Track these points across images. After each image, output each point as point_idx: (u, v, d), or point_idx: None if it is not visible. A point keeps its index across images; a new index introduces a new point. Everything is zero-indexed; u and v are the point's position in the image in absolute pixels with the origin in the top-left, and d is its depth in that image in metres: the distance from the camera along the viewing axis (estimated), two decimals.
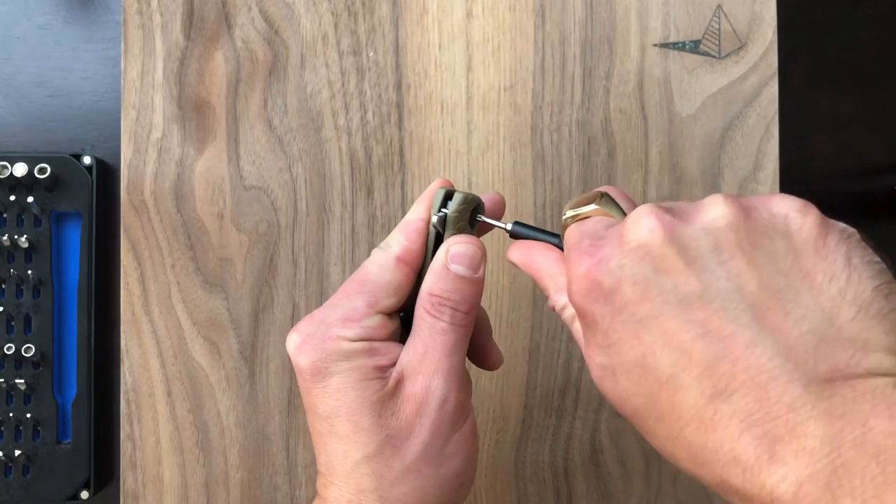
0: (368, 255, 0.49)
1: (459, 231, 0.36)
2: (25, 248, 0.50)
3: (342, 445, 0.34)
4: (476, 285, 0.35)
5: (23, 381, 0.49)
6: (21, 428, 0.50)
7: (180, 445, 0.49)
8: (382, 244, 0.37)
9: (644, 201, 0.50)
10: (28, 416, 0.50)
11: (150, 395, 0.49)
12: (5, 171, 0.49)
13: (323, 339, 0.34)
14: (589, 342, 0.30)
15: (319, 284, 0.49)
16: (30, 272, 0.50)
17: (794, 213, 0.28)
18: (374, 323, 0.35)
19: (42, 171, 0.49)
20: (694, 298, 0.27)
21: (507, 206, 0.49)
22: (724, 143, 0.50)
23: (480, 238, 0.37)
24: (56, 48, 0.53)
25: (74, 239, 0.51)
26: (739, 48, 0.50)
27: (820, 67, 0.57)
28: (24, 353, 0.49)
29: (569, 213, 0.33)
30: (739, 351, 0.26)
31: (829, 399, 0.24)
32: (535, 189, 0.50)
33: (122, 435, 0.49)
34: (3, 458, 0.49)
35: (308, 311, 0.49)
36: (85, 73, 0.53)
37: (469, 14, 0.50)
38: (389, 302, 0.35)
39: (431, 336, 0.34)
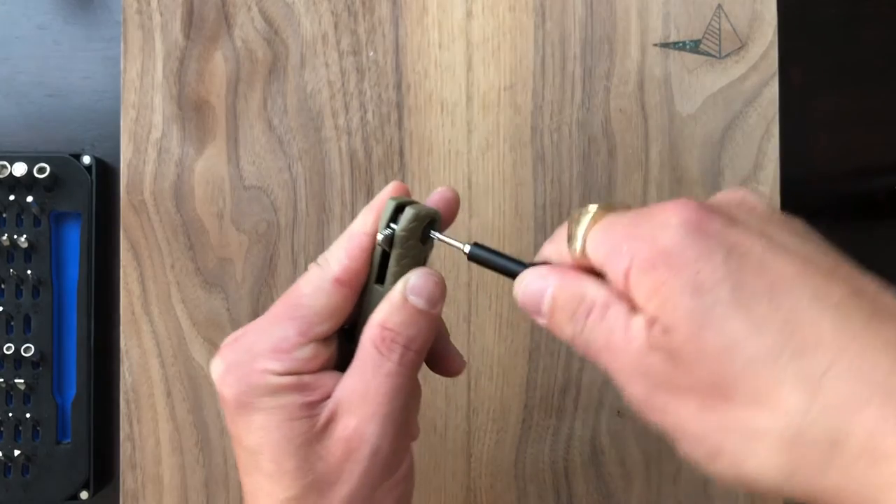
0: None
1: (409, 250, 0.33)
2: (25, 248, 0.50)
3: (266, 483, 0.31)
4: (432, 322, 0.33)
5: (22, 381, 0.49)
6: (20, 428, 0.50)
7: (180, 446, 0.49)
8: (320, 259, 0.33)
9: (644, 201, 0.50)
10: (27, 416, 0.50)
11: (149, 396, 0.49)
12: (5, 170, 0.49)
13: (248, 372, 0.31)
14: (683, 283, 0.25)
15: None
16: (29, 272, 0.50)
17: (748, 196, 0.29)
18: (306, 354, 0.31)
19: (41, 170, 0.49)
20: (807, 245, 0.27)
21: (507, 206, 0.50)
22: (725, 142, 0.50)
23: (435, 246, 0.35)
24: (56, 48, 0.53)
25: (74, 239, 0.51)
26: (740, 48, 0.50)
27: (820, 67, 0.57)
28: (23, 353, 0.49)
29: (588, 215, 0.29)
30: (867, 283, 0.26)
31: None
32: (535, 189, 0.50)
33: (122, 435, 0.48)
34: (2, 458, 0.49)
35: None
36: (84, 73, 0.53)
37: (469, 14, 0.50)
38: (323, 328, 0.32)
39: (375, 376, 0.31)
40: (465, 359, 0.42)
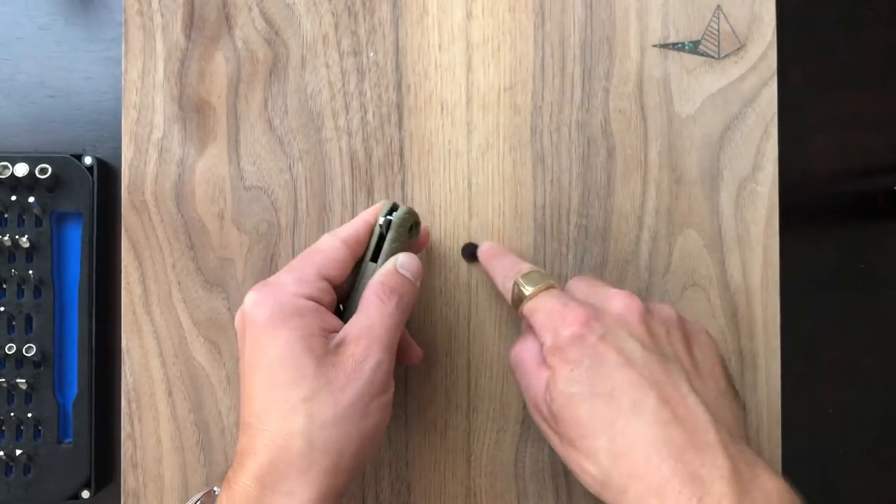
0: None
1: (399, 236, 0.43)
2: (26, 248, 0.50)
3: (282, 391, 0.37)
4: (414, 290, 0.43)
5: (24, 380, 0.49)
6: (22, 427, 0.50)
7: (181, 445, 0.49)
8: (332, 232, 0.43)
9: (644, 202, 0.50)
10: (29, 415, 0.50)
11: (150, 395, 0.49)
12: (6, 171, 0.49)
13: (280, 296, 0.39)
14: (563, 375, 0.39)
15: None
16: (31, 272, 0.50)
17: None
18: (323, 286, 0.41)
19: (43, 171, 0.49)
20: (653, 360, 0.39)
21: (507, 206, 0.50)
22: (724, 143, 0.50)
23: (418, 252, 0.45)
24: (57, 48, 0.53)
25: (75, 239, 0.51)
26: (739, 49, 0.50)
27: (820, 67, 0.57)
28: (25, 353, 0.49)
29: (528, 289, 0.43)
30: (679, 398, 0.38)
31: (735, 445, 0.37)
32: (535, 189, 0.50)
33: (123, 434, 0.49)
34: (3, 458, 0.49)
35: None
36: (86, 74, 0.53)
37: (469, 15, 0.50)
38: (333, 273, 0.41)
39: (378, 315, 0.40)
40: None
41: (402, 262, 0.42)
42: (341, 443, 0.37)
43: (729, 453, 0.36)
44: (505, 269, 0.46)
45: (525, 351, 0.43)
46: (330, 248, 0.42)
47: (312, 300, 0.40)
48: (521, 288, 0.43)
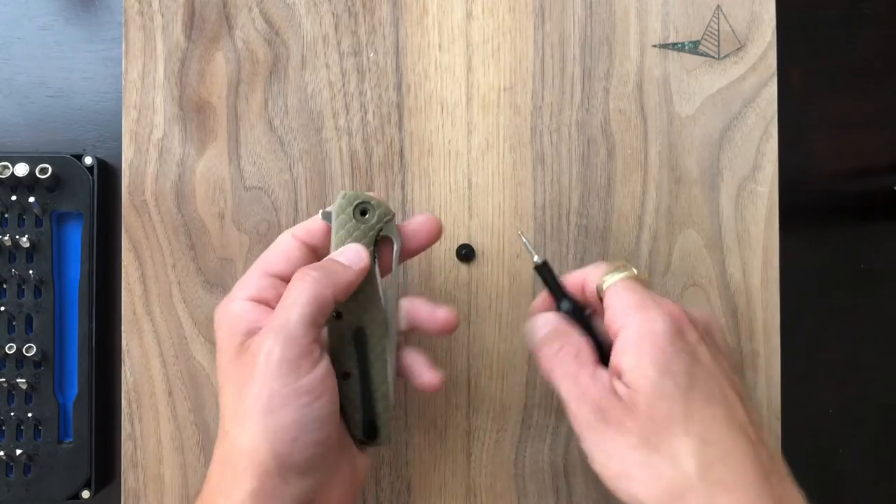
0: None
1: (344, 224, 0.41)
2: (27, 248, 0.50)
3: (221, 395, 0.39)
4: (346, 274, 0.40)
5: (24, 380, 0.49)
6: (22, 427, 0.50)
7: (181, 445, 0.49)
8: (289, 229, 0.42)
9: (644, 202, 0.50)
10: (29, 415, 0.50)
11: (151, 395, 0.49)
12: (7, 171, 0.49)
13: (224, 302, 0.40)
14: (660, 365, 0.36)
15: None
16: (31, 272, 0.50)
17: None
18: (265, 283, 0.40)
19: (43, 171, 0.49)
20: (737, 380, 0.38)
21: (507, 206, 0.50)
22: (724, 143, 0.50)
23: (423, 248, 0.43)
24: (57, 49, 0.53)
25: (75, 239, 0.51)
26: (738, 49, 0.51)
27: (820, 67, 0.57)
28: (25, 353, 0.49)
29: (624, 273, 0.40)
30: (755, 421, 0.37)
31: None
32: (535, 189, 0.50)
33: (123, 434, 0.49)
34: (4, 458, 0.49)
35: None
36: (86, 74, 0.53)
37: (469, 15, 0.50)
38: (282, 267, 0.40)
39: (284, 299, 0.38)
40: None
41: (340, 252, 0.41)
42: (252, 442, 0.36)
43: (795, 486, 0.37)
44: (587, 270, 0.42)
45: (564, 352, 0.40)
46: (277, 243, 0.41)
47: (253, 300, 0.39)
48: (617, 271, 0.40)
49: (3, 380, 0.49)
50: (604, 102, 0.50)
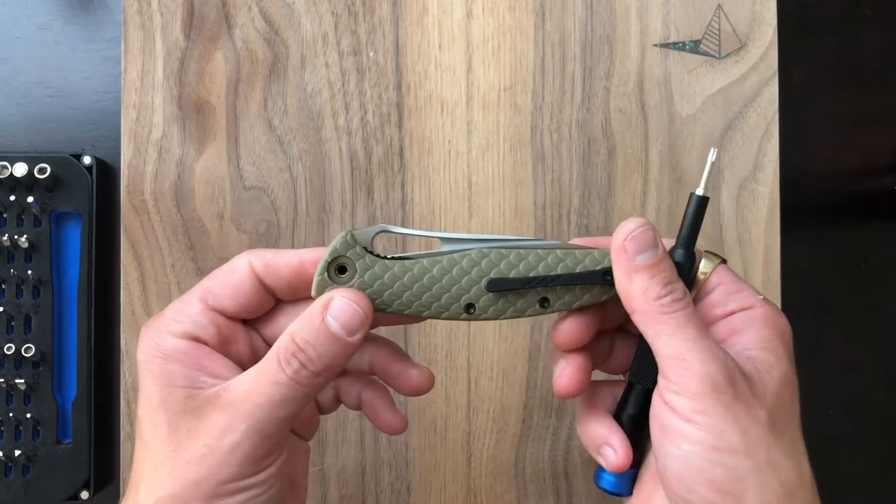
0: None
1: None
2: (25, 248, 0.50)
3: (139, 449, 0.32)
4: (346, 350, 0.32)
5: (23, 380, 0.49)
6: (21, 428, 0.50)
7: None
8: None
9: (644, 202, 0.50)
10: (28, 416, 0.50)
11: None
12: (5, 171, 0.49)
13: (153, 332, 0.32)
14: (790, 363, 0.33)
15: None
16: (30, 272, 0.50)
17: None
18: (204, 319, 0.33)
19: (42, 171, 0.49)
20: None
21: (507, 206, 0.50)
22: (724, 143, 0.50)
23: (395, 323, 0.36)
24: (56, 48, 0.53)
25: (74, 239, 0.51)
26: (739, 48, 0.50)
27: (820, 67, 0.57)
28: (24, 353, 0.49)
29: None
30: None
31: None
32: (535, 189, 0.50)
33: (123, 435, 0.49)
34: (3, 458, 0.49)
35: None
36: (85, 73, 0.53)
37: (469, 14, 0.50)
38: (228, 303, 0.33)
39: (265, 380, 0.31)
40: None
41: (335, 306, 0.32)
42: None
43: None
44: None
45: (689, 302, 0.33)
46: (227, 270, 0.33)
47: (191, 339, 0.32)
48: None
49: (2, 380, 0.49)
50: (604, 102, 0.50)
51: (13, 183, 0.50)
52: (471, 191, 0.50)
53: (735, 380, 0.31)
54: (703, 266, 0.35)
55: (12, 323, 0.50)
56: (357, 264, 0.33)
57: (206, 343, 0.33)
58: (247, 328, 0.35)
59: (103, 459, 0.52)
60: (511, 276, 0.34)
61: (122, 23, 0.49)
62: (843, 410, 0.56)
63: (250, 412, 0.31)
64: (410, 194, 0.50)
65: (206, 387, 0.32)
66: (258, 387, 0.31)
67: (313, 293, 0.33)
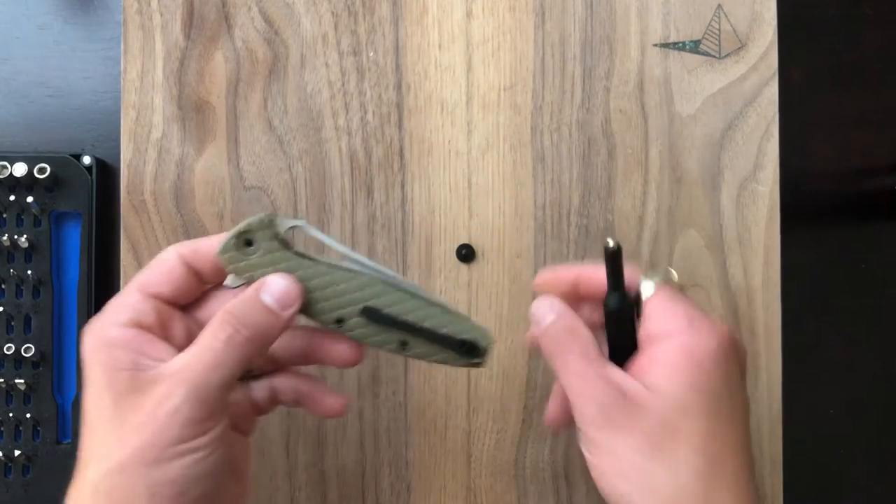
0: (368, 255, 0.49)
1: (268, 251, 0.36)
2: (25, 248, 0.50)
3: (87, 433, 0.34)
4: (276, 322, 0.35)
5: (23, 381, 0.49)
6: (21, 428, 0.50)
7: None
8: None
9: (644, 202, 0.50)
10: (28, 416, 0.50)
11: None
12: (5, 171, 0.49)
13: (98, 325, 0.35)
14: (694, 379, 0.35)
15: None
16: (29, 272, 0.50)
17: None
18: (145, 307, 0.36)
19: (42, 171, 0.49)
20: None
21: (507, 206, 0.50)
22: (724, 143, 0.50)
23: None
24: (56, 48, 0.53)
25: (74, 239, 0.51)
26: (739, 48, 0.50)
27: (820, 67, 0.57)
28: (23, 353, 0.49)
29: (669, 277, 0.38)
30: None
31: None
32: (535, 189, 0.50)
33: None
34: (2, 458, 0.49)
35: None
36: (85, 73, 0.53)
37: (469, 14, 0.50)
38: (165, 289, 0.36)
39: (200, 349, 0.34)
40: None
41: (267, 286, 0.36)
42: (126, 492, 0.33)
43: None
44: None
45: (579, 348, 0.37)
46: (158, 261, 0.37)
47: (133, 325, 0.35)
48: (661, 276, 0.38)
49: (2, 380, 0.49)
50: (604, 102, 0.50)
51: (13, 183, 0.50)
52: (471, 191, 0.50)
53: (610, 409, 0.35)
54: (644, 292, 0.38)
55: (12, 323, 0.50)
56: (262, 245, 0.36)
57: (147, 329, 0.35)
58: (182, 314, 0.37)
59: None
60: (384, 311, 0.37)
61: (122, 23, 0.49)
62: (843, 410, 0.56)
63: (187, 378, 0.33)
64: (410, 194, 0.50)
65: (148, 368, 0.34)
66: (195, 356, 0.34)
67: (217, 252, 0.36)
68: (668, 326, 0.36)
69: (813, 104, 0.56)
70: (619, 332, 0.38)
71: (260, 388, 0.39)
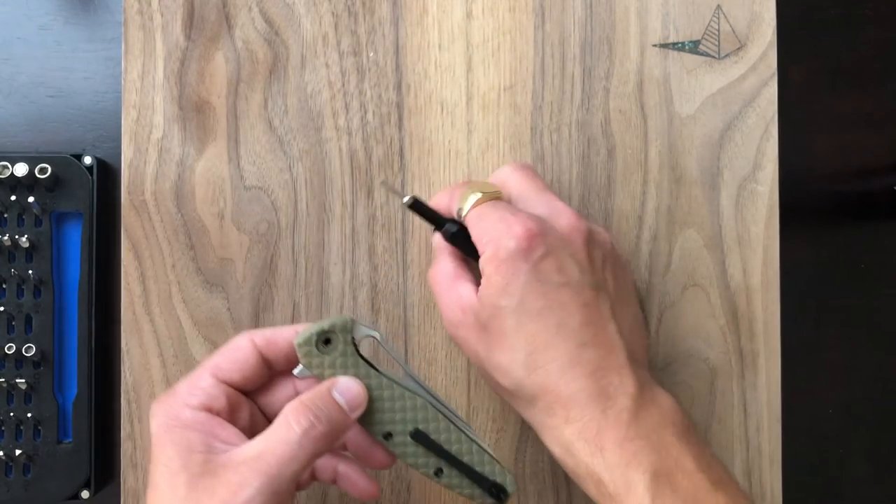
0: (369, 255, 0.49)
1: (313, 357, 0.39)
2: (26, 248, 0.50)
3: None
4: (345, 422, 0.38)
5: (23, 380, 0.49)
6: (22, 427, 0.50)
7: None
8: (254, 330, 0.40)
9: (644, 202, 0.50)
10: (29, 415, 0.50)
11: (150, 395, 0.49)
12: (6, 171, 0.49)
13: (169, 406, 0.37)
14: (497, 286, 0.39)
15: (320, 284, 0.49)
16: (30, 272, 0.50)
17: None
18: (216, 391, 0.38)
19: (43, 171, 0.49)
20: (586, 285, 0.40)
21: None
22: (724, 143, 0.50)
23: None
24: (57, 48, 0.53)
25: (75, 239, 0.51)
26: (739, 48, 0.51)
27: (820, 67, 0.57)
28: (24, 353, 0.49)
29: (475, 196, 0.42)
30: (602, 323, 0.40)
31: (641, 370, 0.40)
32: None
33: (123, 434, 0.49)
34: (3, 458, 0.49)
35: (308, 311, 0.49)
36: (86, 74, 0.53)
37: (469, 14, 0.50)
38: (236, 377, 0.38)
39: (279, 440, 0.36)
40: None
41: (340, 386, 0.38)
42: None
43: (636, 376, 0.39)
44: (451, 191, 0.44)
45: (440, 272, 0.43)
46: (233, 347, 0.39)
47: (204, 409, 0.37)
48: (470, 194, 0.42)
49: (3, 380, 0.49)
50: (604, 102, 0.50)
51: (14, 183, 0.50)
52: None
53: (459, 322, 0.41)
54: (465, 209, 0.42)
55: (13, 323, 0.50)
56: (339, 346, 0.39)
57: (218, 413, 0.37)
58: (246, 398, 0.40)
59: (104, 459, 0.52)
60: (432, 437, 0.40)
61: (123, 23, 0.50)
62: (843, 410, 0.56)
63: (262, 469, 0.35)
64: (410, 194, 0.50)
65: (219, 451, 0.36)
66: (270, 446, 0.35)
67: (296, 343, 0.39)
68: (479, 239, 0.41)
69: (812, 104, 0.57)
70: (465, 251, 0.43)
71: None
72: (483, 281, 0.40)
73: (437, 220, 0.44)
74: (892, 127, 0.57)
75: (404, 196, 0.43)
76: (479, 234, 0.41)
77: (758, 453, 0.49)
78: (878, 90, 0.57)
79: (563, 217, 0.41)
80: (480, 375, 0.43)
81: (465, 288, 0.42)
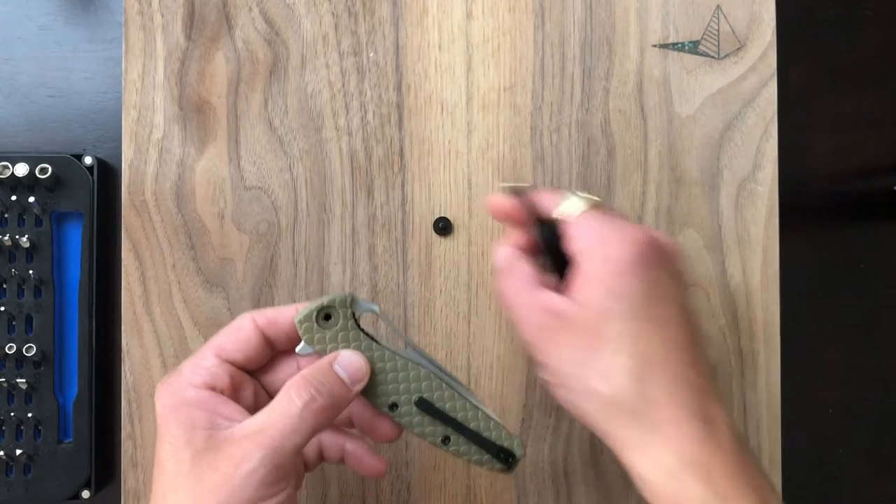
0: (369, 255, 0.49)
1: (312, 332, 0.39)
2: (27, 248, 0.50)
3: (163, 488, 0.36)
4: (346, 395, 0.38)
5: (24, 380, 0.49)
6: (22, 427, 0.50)
7: None
8: (255, 310, 0.40)
9: (644, 202, 0.50)
10: (29, 415, 0.50)
11: (151, 395, 0.49)
12: (7, 171, 0.49)
13: (173, 385, 0.38)
14: (610, 287, 0.38)
15: (320, 284, 0.50)
16: (31, 272, 0.50)
17: None
18: (220, 370, 0.38)
19: (43, 171, 0.49)
20: (688, 304, 0.40)
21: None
22: (724, 143, 0.50)
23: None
24: (57, 49, 0.53)
25: (75, 239, 0.51)
26: (738, 49, 0.51)
27: (820, 67, 0.57)
28: (25, 353, 0.49)
29: (579, 199, 0.41)
30: (699, 345, 0.40)
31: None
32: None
33: (123, 434, 0.49)
34: (4, 458, 0.49)
35: None
36: (86, 74, 0.53)
37: (469, 15, 0.50)
38: (238, 356, 0.39)
39: (280, 413, 0.36)
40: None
41: (342, 359, 0.39)
42: None
43: (723, 403, 0.39)
44: (549, 195, 0.43)
45: (520, 276, 0.41)
46: (235, 327, 0.39)
47: (208, 387, 0.38)
48: (572, 197, 0.41)
49: (3, 380, 0.49)
50: (604, 102, 0.50)
51: (14, 183, 0.50)
52: (471, 191, 0.50)
53: (543, 323, 0.39)
54: (569, 215, 0.41)
55: (13, 322, 0.50)
56: (340, 321, 0.39)
57: (221, 391, 0.38)
58: (249, 377, 0.40)
59: (104, 459, 0.52)
60: (437, 405, 0.40)
61: (123, 23, 0.50)
62: (842, 410, 0.56)
63: (264, 443, 0.35)
64: (410, 194, 0.50)
65: (223, 427, 0.36)
66: (271, 420, 0.36)
67: (296, 320, 0.39)
68: (589, 243, 0.39)
69: (812, 104, 0.57)
70: (551, 254, 0.41)
71: (309, 446, 0.41)
72: (591, 284, 0.39)
73: (536, 217, 0.42)
74: (892, 127, 0.57)
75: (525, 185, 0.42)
76: (591, 236, 0.40)
77: (758, 453, 0.49)
78: (878, 90, 0.57)
79: (661, 236, 0.41)
80: (550, 384, 0.40)
81: (549, 292, 0.40)
